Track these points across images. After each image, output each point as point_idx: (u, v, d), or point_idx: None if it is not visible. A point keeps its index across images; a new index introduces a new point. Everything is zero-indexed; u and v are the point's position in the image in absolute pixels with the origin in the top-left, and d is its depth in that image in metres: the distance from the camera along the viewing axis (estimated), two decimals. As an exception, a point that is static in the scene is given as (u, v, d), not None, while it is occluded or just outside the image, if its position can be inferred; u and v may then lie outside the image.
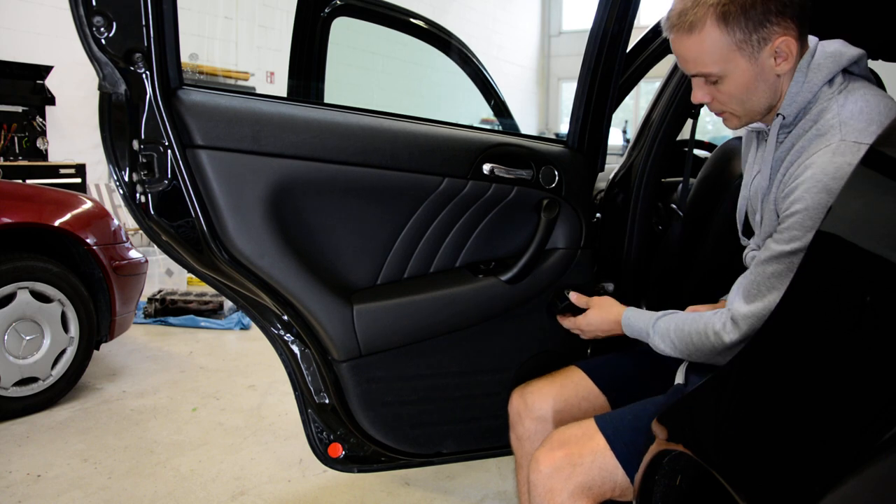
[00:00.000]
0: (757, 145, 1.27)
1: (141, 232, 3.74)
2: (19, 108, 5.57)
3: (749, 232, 1.31)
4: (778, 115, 1.14)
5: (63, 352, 2.86)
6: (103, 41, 1.16)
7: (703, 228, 1.68)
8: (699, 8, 1.08)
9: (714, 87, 1.14)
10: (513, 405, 1.48)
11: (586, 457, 1.15)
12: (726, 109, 1.17)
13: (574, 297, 1.49)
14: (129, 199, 1.27)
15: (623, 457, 1.14)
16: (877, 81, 1.19)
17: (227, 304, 4.31)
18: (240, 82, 7.40)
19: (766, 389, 0.82)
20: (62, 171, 5.54)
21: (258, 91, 6.14)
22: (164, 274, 5.05)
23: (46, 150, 5.71)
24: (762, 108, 1.15)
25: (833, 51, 1.12)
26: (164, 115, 1.22)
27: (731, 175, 1.64)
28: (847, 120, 1.06)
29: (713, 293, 1.48)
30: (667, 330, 1.28)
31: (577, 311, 1.48)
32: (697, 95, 1.17)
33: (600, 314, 1.44)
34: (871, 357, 0.68)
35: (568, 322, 1.50)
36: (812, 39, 1.14)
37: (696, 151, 2.01)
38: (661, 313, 1.32)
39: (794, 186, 1.08)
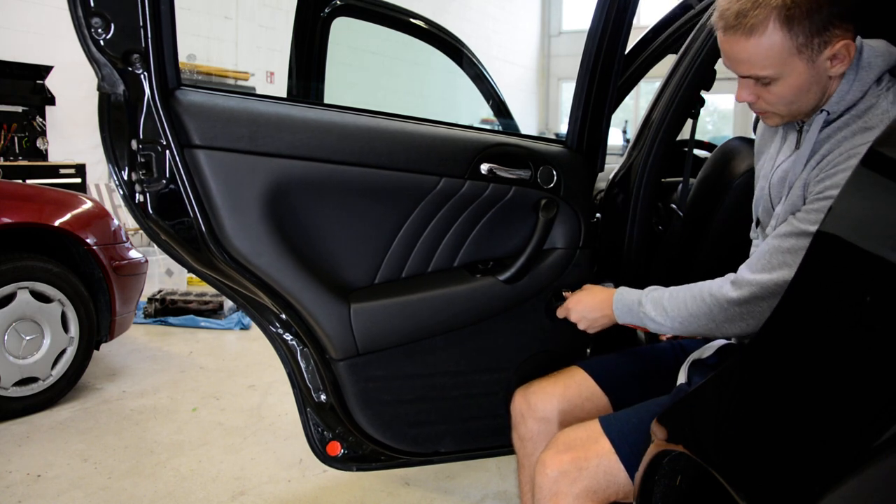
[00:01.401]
0: (783, 135, 1.24)
1: (141, 232, 3.74)
2: (19, 108, 5.57)
3: (759, 224, 1.30)
4: (822, 111, 1.11)
5: (63, 352, 2.86)
6: (102, 42, 1.16)
7: (703, 228, 1.68)
8: (761, 9, 1.03)
9: (763, 88, 1.11)
10: (515, 406, 1.48)
11: (592, 460, 1.15)
12: (771, 110, 1.14)
13: (568, 294, 1.50)
14: (129, 198, 1.28)
15: (628, 459, 1.14)
16: None
17: (227, 304, 4.31)
18: (240, 82, 7.40)
19: (766, 390, 0.82)
20: (62, 171, 5.54)
21: (258, 91, 6.15)
22: (164, 274, 5.05)
23: (46, 150, 5.71)
24: (808, 109, 1.13)
25: (883, 50, 1.10)
26: (162, 115, 1.22)
27: (731, 175, 1.64)
28: (895, 115, 1.05)
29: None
30: (660, 298, 1.27)
31: None
32: (742, 95, 1.14)
33: (590, 293, 1.43)
34: (870, 357, 0.68)
35: (560, 310, 1.50)
36: (858, 39, 1.12)
37: (696, 151, 2.01)
38: (653, 286, 1.32)
39: (832, 172, 1.06)
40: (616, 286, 1.69)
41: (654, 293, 1.29)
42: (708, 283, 1.22)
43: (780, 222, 1.17)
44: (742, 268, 1.17)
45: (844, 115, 1.11)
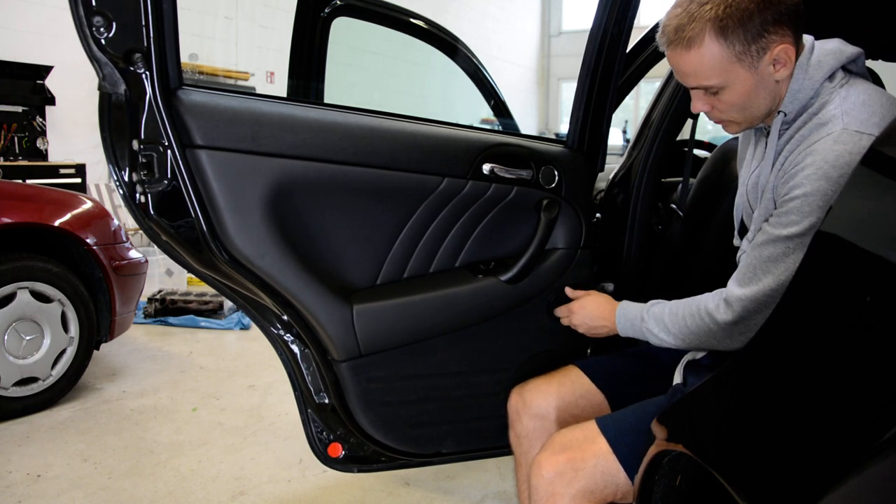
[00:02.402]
0: (755, 142, 1.27)
1: (141, 232, 3.74)
2: (19, 108, 5.57)
3: (744, 232, 1.31)
4: (779, 112, 1.14)
5: (63, 352, 2.86)
6: (103, 41, 1.16)
7: (703, 228, 1.68)
8: (696, 23, 1.07)
9: (714, 98, 1.14)
10: (511, 403, 1.49)
11: (588, 461, 1.15)
12: (726, 118, 1.17)
13: (568, 291, 1.52)
14: (129, 199, 1.27)
15: (625, 459, 1.14)
16: (874, 80, 1.20)
17: (227, 304, 4.30)
18: (240, 82, 7.40)
19: (765, 389, 0.82)
20: (62, 171, 5.54)
21: (258, 91, 6.14)
22: (164, 274, 5.05)
23: (46, 150, 5.71)
24: (762, 114, 1.16)
25: (833, 48, 1.13)
26: (163, 115, 1.22)
27: (730, 175, 1.64)
28: (849, 110, 1.07)
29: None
30: (661, 314, 1.28)
31: None
32: (697, 106, 1.17)
33: (595, 300, 1.45)
34: (870, 357, 0.68)
35: (561, 310, 1.51)
36: (808, 38, 1.14)
37: (696, 151, 2.01)
38: (654, 301, 1.33)
39: (793, 172, 1.09)
40: (616, 286, 1.70)
41: (655, 308, 1.31)
42: (704, 298, 1.23)
43: (756, 230, 1.19)
44: (730, 283, 1.19)
45: (802, 114, 1.13)
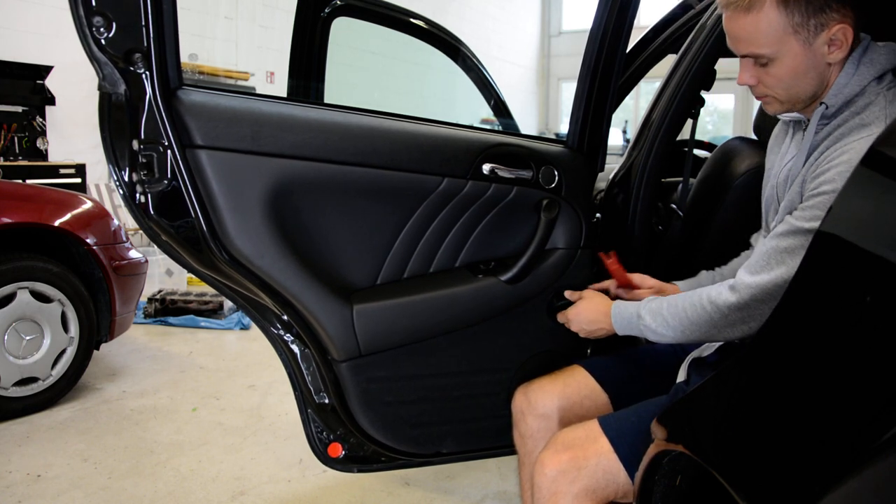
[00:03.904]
0: (792, 135, 1.24)
1: (141, 232, 3.74)
2: (19, 108, 5.57)
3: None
4: (821, 103, 1.11)
5: (63, 352, 2.86)
6: (103, 41, 1.16)
7: (703, 228, 1.68)
8: None
9: (762, 70, 1.12)
10: (516, 403, 1.49)
11: (591, 459, 1.15)
12: (770, 94, 1.15)
13: (567, 293, 1.51)
14: (129, 199, 1.27)
15: (627, 459, 1.14)
16: None
17: (227, 304, 4.30)
18: (240, 82, 7.40)
19: (765, 389, 0.82)
20: (62, 171, 5.54)
21: (258, 91, 6.14)
22: (164, 274, 5.05)
23: (46, 150, 5.71)
24: (807, 96, 1.13)
25: (889, 49, 1.10)
26: (163, 115, 1.22)
27: (731, 175, 1.64)
28: (893, 114, 1.05)
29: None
30: (658, 308, 1.27)
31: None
32: (743, 77, 1.15)
33: (589, 304, 1.43)
34: (870, 357, 0.68)
35: (560, 316, 1.50)
36: (864, 36, 1.12)
37: (696, 151, 2.01)
38: (650, 297, 1.32)
39: (826, 168, 1.06)
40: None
41: (652, 304, 1.29)
42: (706, 289, 1.22)
43: (778, 220, 1.17)
44: (740, 271, 1.17)
45: (844, 110, 1.11)
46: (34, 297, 2.76)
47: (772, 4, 1.05)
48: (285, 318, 1.49)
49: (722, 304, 1.17)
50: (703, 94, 1.66)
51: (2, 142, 5.41)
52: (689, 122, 1.72)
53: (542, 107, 15.37)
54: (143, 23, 1.18)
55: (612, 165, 1.78)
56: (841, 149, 1.06)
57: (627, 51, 1.59)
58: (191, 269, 1.41)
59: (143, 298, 4.04)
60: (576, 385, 1.43)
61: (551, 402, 1.42)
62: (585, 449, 1.17)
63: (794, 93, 1.13)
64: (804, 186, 1.12)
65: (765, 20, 1.06)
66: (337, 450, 1.59)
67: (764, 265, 1.12)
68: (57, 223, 2.79)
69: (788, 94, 1.13)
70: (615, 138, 10.71)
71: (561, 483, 1.14)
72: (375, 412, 1.52)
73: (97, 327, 2.96)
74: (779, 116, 1.23)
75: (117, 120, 1.24)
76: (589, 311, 1.42)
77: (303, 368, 1.56)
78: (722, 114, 14.00)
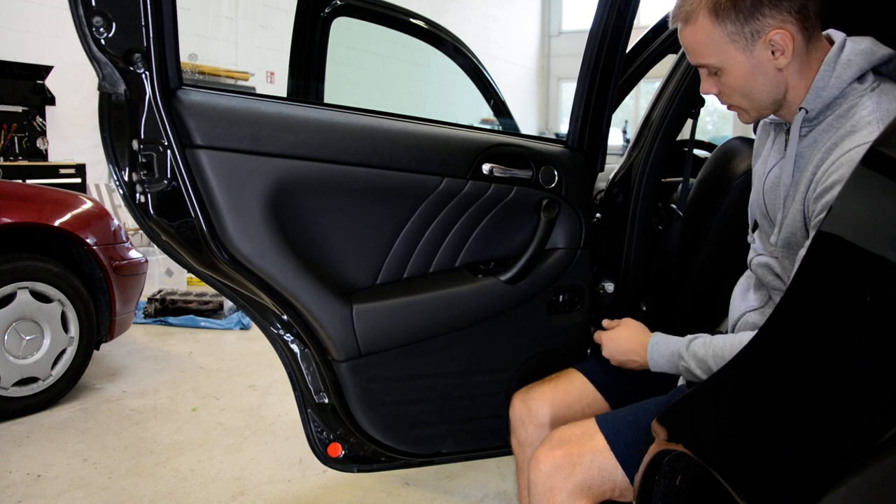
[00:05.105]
0: (774, 137, 1.22)
1: (141, 232, 3.74)
2: (19, 108, 5.57)
3: (756, 229, 1.27)
4: (801, 108, 1.09)
5: (63, 352, 2.86)
6: (103, 41, 1.16)
7: (703, 228, 1.68)
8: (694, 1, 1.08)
9: (717, 80, 1.14)
10: (515, 411, 1.48)
11: (586, 456, 1.15)
12: (732, 102, 1.16)
13: (605, 322, 1.43)
14: (129, 199, 1.27)
15: (623, 457, 1.14)
16: None
17: (227, 304, 4.30)
18: (240, 82, 7.40)
19: (765, 389, 0.82)
20: (62, 171, 5.54)
21: (258, 91, 6.14)
22: (164, 274, 5.05)
23: (46, 150, 5.71)
24: (767, 103, 1.13)
25: (864, 48, 1.08)
26: (163, 115, 1.22)
27: (731, 175, 1.64)
28: (885, 117, 1.02)
29: (713, 294, 1.48)
30: (704, 354, 1.19)
31: None
32: (704, 87, 1.17)
33: (626, 332, 1.36)
34: (870, 357, 0.68)
35: (596, 336, 1.43)
36: (838, 35, 1.10)
37: (696, 151, 2.01)
38: (691, 336, 1.24)
39: (828, 185, 1.03)
40: (616, 286, 1.70)
41: (696, 347, 1.21)
42: (748, 334, 1.15)
43: (782, 238, 1.14)
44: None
45: (828, 115, 1.09)
46: (34, 297, 2.76)
47: (705, 16, 1.07)
48: (285, 318, 1.49)
49: None
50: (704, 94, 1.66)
51: (2, 142, 5.41)
52: (689, 122, 1.72)
53: (542, 107, 15.36)
54: (143, 23, 1.18)
55: (612, 165, 1.78)
56: (838, 161, 1.03)
57: (627, 51, 1.59)
58: (191, 269, 1.41)
59: (143, 298, 4.04)
60: (576, 392, 1.43)
61: (551, 410, 1.41)
62: (581, 445, 1.17)
63: (753, 100, 1.13)
64: (807, 209, 1.08)
65: (702, 31, 1.09)
66: (337, 450, 1.59)
67: None
68: (57, 223, 2.79)
69: (748, 101, 1.14)
70: (615, 138, 10.70)
71: (556, 479, 1.14)
72: (375, 412, 1.52)
73: (97, 327, 2.96)
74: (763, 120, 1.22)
75: (117, 120, 1.24)
76: (624, 340, 1.35)
77: (303, 368, 1.56)
78: (722, 114, 13.99)
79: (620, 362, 1.36)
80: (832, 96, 1.08)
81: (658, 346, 1.28)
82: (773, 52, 1.07)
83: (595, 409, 1.41)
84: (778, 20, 1.05)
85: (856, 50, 1.08)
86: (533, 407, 1.43)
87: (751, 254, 1.30)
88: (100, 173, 6.01)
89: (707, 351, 1.19)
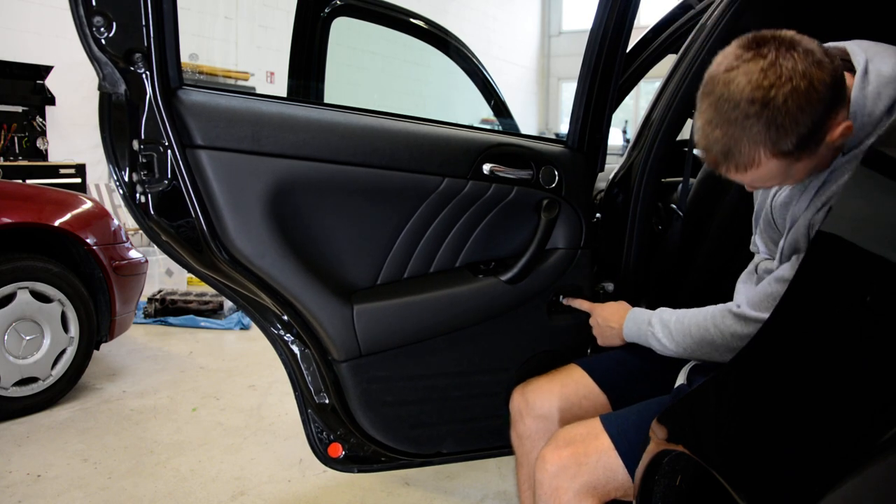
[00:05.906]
0: None
1: (141, 232, 3.74)
2: (19, 108, 5.57)
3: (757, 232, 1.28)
4: (842, 153, 1.03)
5: (63, 352, 2.86)
6: (103, 41, 1.16)
7: (703, 228, 1.68)
8: (747, 148, 0.95)
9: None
10: (514, 403, 1.49)
11: (591, 456, 1.16)
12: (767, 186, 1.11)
13: (571, 300, 1.55)
14: (129, 199, 1.27)
15: (627, 456, 1.14)
16: None
17: (227, 304, 4.30)
18: (240, 82, 7.40)
19: (766, 390, 0.82)
20: (62, 171, 5.54)
21: (258, 91, 6.14)
22: (164, 274, 5.05)
23: (46, 150, 5.71)
24: (808, 175, 1.05)
25: (890, 74, 0.98)
26: (164, 115, 1.22)
27: (731, 175, 1.64)
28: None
29: (713, 293, 1.48)
30: (668, 320, 1.30)
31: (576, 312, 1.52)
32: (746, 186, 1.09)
33: (612, 306, 1.47)
34: (870, 357, 0.68)
35: (582, 304, 1.54)
36: (858, 55, 1.01)
37: (697, 151, 2.01)
38: (664, 308, 1.34)
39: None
40: (616, 286, 1.70)
41: (664, 314, 1.32)
42: (711, 311, 1.23)
43: (784, 255, 1.15)
44: (744, 303, 1.18)
45: (855, 148, 1.02)
46: (34, 297, 2.76)
47: (767, 157, 0.95)
48: (285, 318, 1.49)
49: (725, 330, 1.19)
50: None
51: (2, 142, 5.41)
52: (689, 122, 1.72)
53: (542, 107, 15.36)
54: (144, 22, 1.18)
55: (612, 165, 1.78)
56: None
57: (627, 51, 1.59)
58: (191, 269, 1.41)
59: (143, 298, 4.04)
60: (574, 385, 1.43)
61: (550, 402, 1.42)
62: (586, 445, 1.17)
63: (798, 179, 1.06)
64: (811, 231, 1.07)
65: (765, 169, 0.97)
66: (337, 450, 1.59)
67: (768, 306, 1.13)
68: (57, 223, 2.79)
69: (785, 181, 1.06)
70: (615, 138, 10.69)
71: (562, 479, 1.15)
72: (376, 412, 1.52)
73: (97, 327, 2.96)
74: None
75: (117, 120, 1.24)
76: (609, 312, 1.46)
77: (303, 368, 1.56)
78: (722, 114, 13.97)
79: (601, 331, 1.46)
80: (866, 134, 1.00)
81: (634, 314, 1.38)
82: (833, 140, 0.97)
83: (593, 402, 1.42)
84: (838, 113, 0.95)
85: (883, 78, 0.98)
86: (531, 399, 1.44)
87: (757, 256, 1.30)
88: (100, 173, 6.01)
89: (671, 317, 1.28)
